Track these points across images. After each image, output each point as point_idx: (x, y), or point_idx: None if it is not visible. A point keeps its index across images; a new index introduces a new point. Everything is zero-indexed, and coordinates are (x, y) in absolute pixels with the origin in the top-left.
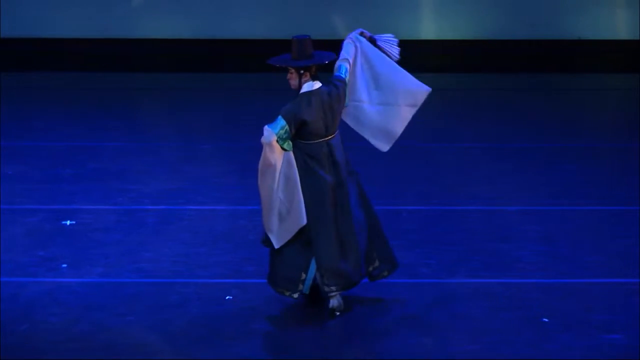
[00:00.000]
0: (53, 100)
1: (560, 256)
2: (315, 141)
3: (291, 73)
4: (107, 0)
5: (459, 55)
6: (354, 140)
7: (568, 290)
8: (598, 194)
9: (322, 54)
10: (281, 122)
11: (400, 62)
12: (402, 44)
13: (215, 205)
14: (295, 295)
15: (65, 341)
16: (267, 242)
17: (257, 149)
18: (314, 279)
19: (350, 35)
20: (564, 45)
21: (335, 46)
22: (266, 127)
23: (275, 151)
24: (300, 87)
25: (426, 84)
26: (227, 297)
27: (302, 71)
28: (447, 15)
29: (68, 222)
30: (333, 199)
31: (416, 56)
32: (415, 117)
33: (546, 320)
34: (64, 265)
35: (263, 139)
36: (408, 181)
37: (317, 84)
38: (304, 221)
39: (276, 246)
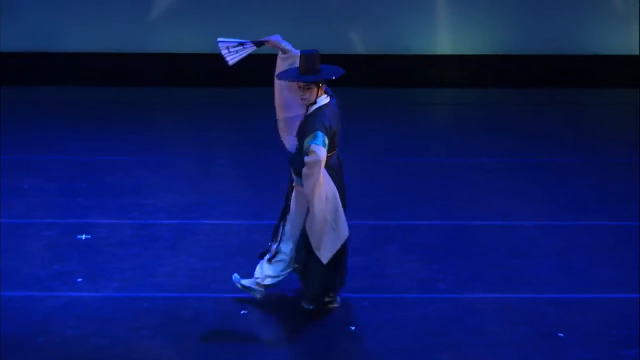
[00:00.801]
0: (68, 115)
1: (576, 271)
2: (333, 153)
3: (309, 88)
4: (123, 14)
5: (475, 71)
6: (374, 155)
7: (584, 306)
8: (614, 209)
9: (330, 69)
10: (323, 137)
11: (419, 78)
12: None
13: (231, 220)
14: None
15: (80, 355)
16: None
17: (273, 163)
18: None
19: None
20: (580, 61)
21: (352, 62)
22: (314, 145)
23: (323, 166)
24: (315, 101)
25: (442, 98)
26: (242, 312)
27: (320, 85)
28: (463, 30)
29: (84, 237)
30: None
31: (433, 71)
32: (431, 133)
33: (562, 335)
34: (80, 280)
35: (317, 158)
36: (425, 196)
37: (328, 97)
38: (348, 232)
39: (325, 262)
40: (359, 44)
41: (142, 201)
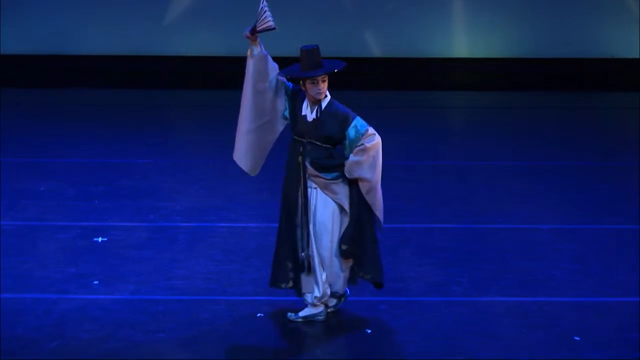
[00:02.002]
0: (84, 117)
1: (593, 275)
2: None
3: (324, 81)
4: (139, 17)
5: (491, 74)
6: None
7: (600, 309)
8: (631, 212)
9: (332, 62)
10: (361, 119)
11: (435, 81)
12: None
13: (247, 222)
14: None
15: (95, 358)
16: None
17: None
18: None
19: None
20: (597, 64)
21: (368, 64)
22: (365, 129)
23: None
24: (324, 94)
25: (458, 101)
26: (258, 315)
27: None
28: (479, 33)
29: (100, 239)
30: None
31: (449, 74)
32: (447, 136)
33: (578, 339)
34: (96, 282)
35: (377, 138)
36: (441, 199)
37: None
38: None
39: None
40: (374, 46)
41: (158, 204)
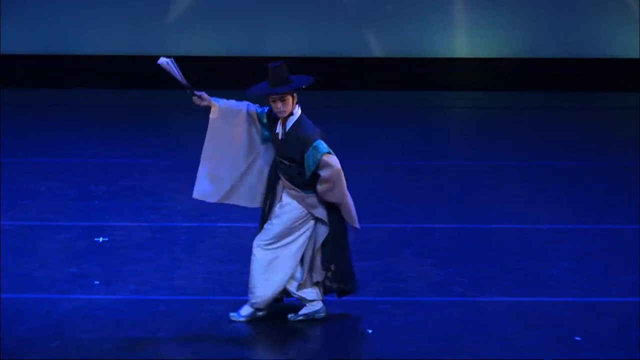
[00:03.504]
0: (85, 117)
1: (593, 275)
2: None
3: (283, 100)
4: (140, 17)
5: (492, 74)
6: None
7: (600, 309)
8: (631, 212)
9: (300, 78)
10: (323, 143)
11: (437, 81)
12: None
13: (248, 222)
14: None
15: (96, 358)
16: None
17: None
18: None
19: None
20: (597, 64)
21: (370, 65)
22: (326, 156)
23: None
24: (292, 112)
25: (460, 101)
26: (258, 314)
27: (294, 95)
28: (480, 33)
29: (100, 239)
30: None
31: (450, 74)
32: (448, 136)
33: (578, 339)
34: (96, 282)
35: (335, 167)
36: (441, 199)
37: (299, 107)
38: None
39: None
40: (376, 47)
41: (159, 204)
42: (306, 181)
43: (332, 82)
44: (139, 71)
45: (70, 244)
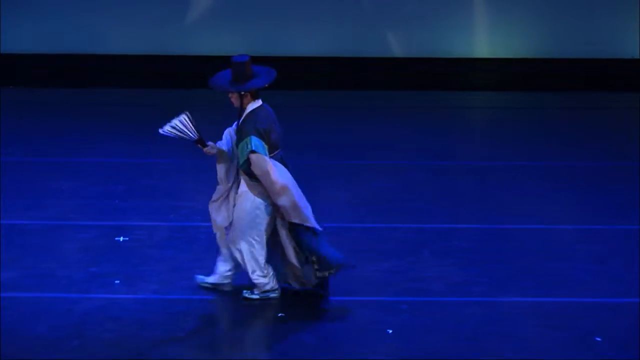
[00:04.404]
0: (106, 117)
1: (613, 275)
2: (274, 153)
3: (232, 95)
4: (161, 17)
5: (512, 74)
6: (411, 158)
7: (620, 310)
8: None
9: (261, 75)
10: (256, 140)
11: (456, 81)
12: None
13: None
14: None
15: (116, 357)
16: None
17: (308, 165)
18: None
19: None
20: (618, 64)
21: (390, 64)
22: (251, 153)
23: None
24: (244, 106)
25: (479, 102)
26: (279, 315)
27: (243, 92)
28: (501, 33)
29: (121, 239)
30: None
31: (470, 74)
32: (468, 136)
33: (599, 339)
34: (117, 282)
35: (262, 163)
36: (461, 200)
37: (259, 101)
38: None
39: (318, 227)
40: (396, 46)
41: (179, 203)
42: (249, 170)
43: (352, 82)
44: (160, 70)
45: (90, 243)
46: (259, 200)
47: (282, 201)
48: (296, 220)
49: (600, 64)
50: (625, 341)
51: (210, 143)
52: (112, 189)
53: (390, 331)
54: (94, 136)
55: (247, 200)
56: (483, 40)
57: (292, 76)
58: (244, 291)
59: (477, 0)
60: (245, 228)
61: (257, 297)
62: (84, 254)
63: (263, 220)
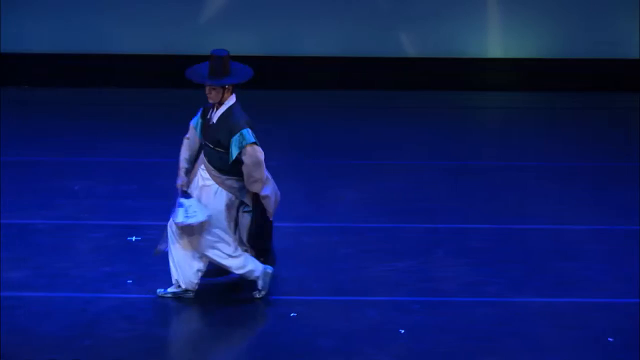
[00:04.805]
0: (117, 116)
1: (626, 276)
2: None
3: (214, 89)
4: (173, 16)
5: (525, 74)
6: (425, 159)
7: (633, 310)
8: None
9: (239, 71)
10: (250, 133)
11: (470, 81)
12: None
13: (281, 222)
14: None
15: (129, 357)
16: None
17: (324, 165)
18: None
19: None
20: (632, 64)
21: (403, 64)
22: (251, 145)
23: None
24: (223, 101)
25: (492, 102)
26: (292, 314)
27: (227, 86)
28: (514, 33)
29: (133, 238)
30: None
31: (483, 74)
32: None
33: (611, 339)
34: (130, 281)
35: (257, 157)
36: (474, 200)
37: (234, 96)
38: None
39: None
40: (409, 46)
41: None
42: (227, 166)
43: (365, 81)
44: (172, 70)
45: (103, 243)
46: (231, 195)
47: (267, 191)
48: (271, 211)
49: (613, 64)
50: (637, 342)
51: (180, 184)
52: (125, 189)
53: (403, 331)
54: (106, 136)
55: (221, 197)
56: (496, 40)
57: (305, 75)
58: (254, 292)
59: (491, 0)
60: (221, 226)
61: (262, 289)
62: (96, 254)
63: (233, 217)
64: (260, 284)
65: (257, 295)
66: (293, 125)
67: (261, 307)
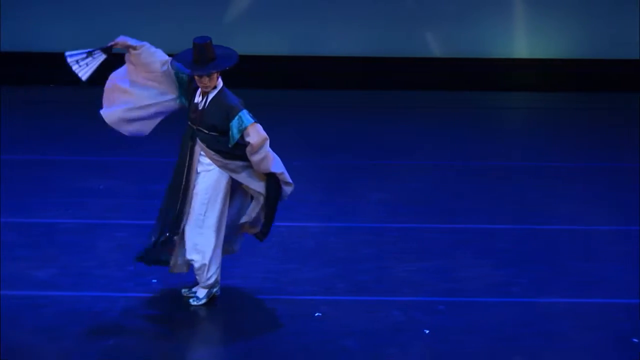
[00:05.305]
0: None
1: None
2: None
3: (211, 76)
4: (200, 15)
5: (551, 74)
6: (449, 159)
7: None
8: None
9: (225, 54)
10: (248, 113)
11: (495, 82)
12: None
13: (306, 222)
14: None
15: (153, 356)
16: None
17: (348, 165)
18: None
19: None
20: None
21: (428, 64)
22: (252, 125)
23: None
24: (216, 86)
25: (517, 102)
26: (316, 314)
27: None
28: (540, 34)
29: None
30: None
31: (509, 75)
32: (507, 137)
33: (636, 340)
34: (154, 281)
35: (261, 136)
36: (499, 200)
37: (221, 80)
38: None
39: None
40: (434, 46)
41: None
42: (227, 148)
43: (390, 81)
44: None
45: (128, 242)
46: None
47: (279, 168)
48: (289, 186)
49: (637, 65)
50: None
51: (117, 40)
52: (150, 189)
53: (427, 331)
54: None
55: (223, 180)
56: (522, 40)
57: (330, 75)
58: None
59: (517, 0)
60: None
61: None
62: (121, 253)
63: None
64: (204, 292)
65: (193, 303)
66: (317, 125)
67: (285, 307)
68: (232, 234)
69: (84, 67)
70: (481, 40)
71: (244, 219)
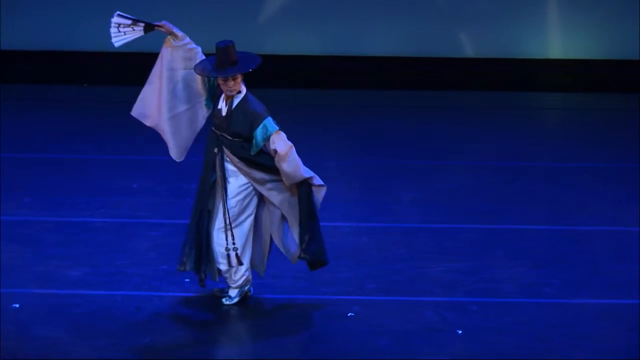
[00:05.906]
0: None
1: None
2: None
3: (236, 79)
4: (233, 15)
5: (585, 75)
6: (484, 159)
7: None
8: None
9: (247, 56)
10: (272, 121)
11: (530, 82)
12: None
13: (339, 222)
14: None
15: (186, 356)
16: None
17: (383, 165)
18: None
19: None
20: None
21: (462, 65)
22: (277, 133)
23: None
24: (239, 90)
25: (552, 102)
26: (349, 314)
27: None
28: (574, 34)
29: None
30: None
31: (543, 75)
32: (541, 137)
33: None
34: (187, 280)
35: (286, 145)
36: (533, 201)
37: (244, 85)
38: None
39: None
40: (468, 47)
41: None
42: (251, 156)
43: (424, 81)
44: None
45: (161, 241)
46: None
47: (307, 172)
48: (321, 189)
49: None
50: None
51: (162, 23)
52: (184, 188)
53: (460, 332)
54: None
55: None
56: (556, 41)
57: (364, 75)
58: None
59: (551, 0)
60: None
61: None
62: (154, 252)
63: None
64: (236, 292)
65: (226, 302)
66: (352, 125)
67: (318, 307)
68: (259, 251)
69: (121, 35)
70: (515, 41)
71: (282, 249)
